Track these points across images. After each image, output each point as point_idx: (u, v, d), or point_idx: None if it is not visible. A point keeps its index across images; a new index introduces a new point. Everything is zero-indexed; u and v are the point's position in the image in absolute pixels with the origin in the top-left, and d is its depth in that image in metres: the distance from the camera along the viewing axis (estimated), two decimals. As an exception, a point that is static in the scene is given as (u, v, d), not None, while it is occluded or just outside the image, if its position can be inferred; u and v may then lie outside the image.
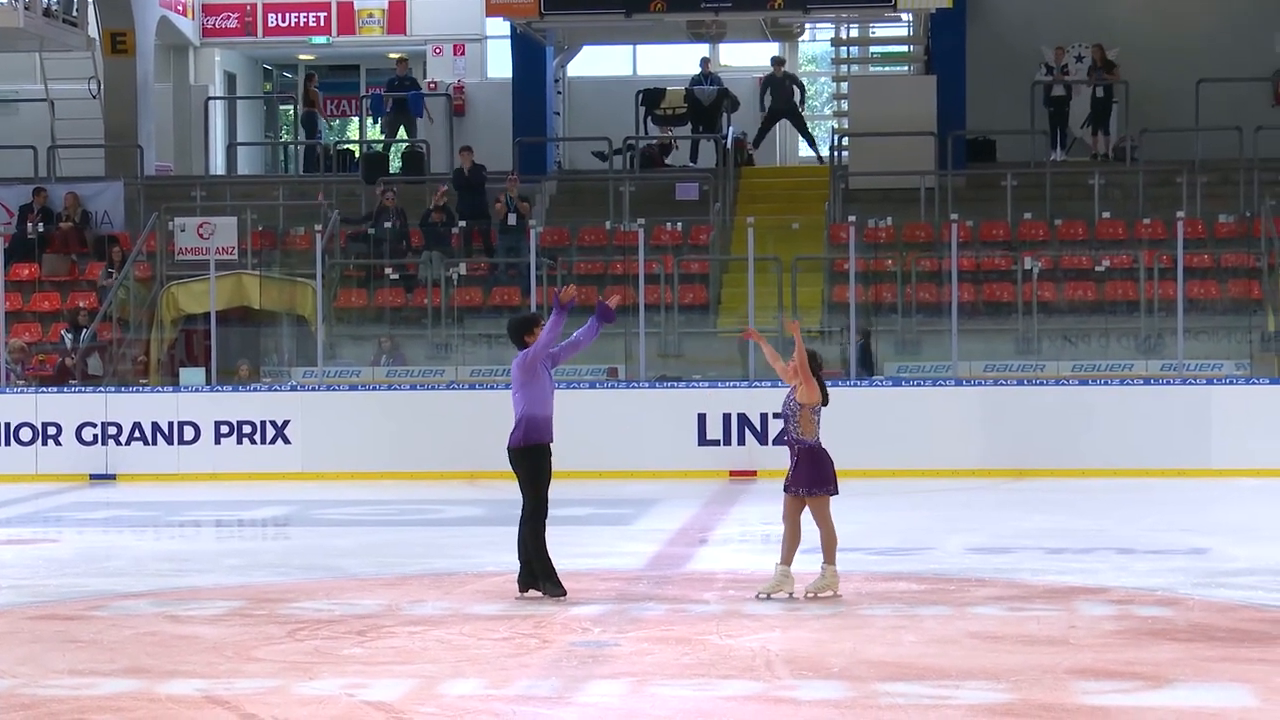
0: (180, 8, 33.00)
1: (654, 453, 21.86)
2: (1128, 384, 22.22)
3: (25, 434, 22.40)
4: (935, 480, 21.00)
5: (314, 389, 22.89)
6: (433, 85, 33.01)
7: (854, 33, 32.11)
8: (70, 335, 24.93)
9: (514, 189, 26.72)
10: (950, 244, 23.16)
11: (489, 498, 19.59)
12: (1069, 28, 30.50)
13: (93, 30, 30.59)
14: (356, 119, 35.51)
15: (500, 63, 32.73)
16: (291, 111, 35.21)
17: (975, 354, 23.45)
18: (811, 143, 31.17)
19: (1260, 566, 13.79)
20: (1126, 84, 28.97)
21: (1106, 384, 22.23)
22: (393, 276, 26.34)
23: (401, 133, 31.32)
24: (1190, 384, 21.95)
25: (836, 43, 32.09)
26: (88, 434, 22.36)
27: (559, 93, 31.60)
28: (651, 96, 30.36)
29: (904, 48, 32.41)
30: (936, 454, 21.58)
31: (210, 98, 33.03)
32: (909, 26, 31.50)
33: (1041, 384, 22.52)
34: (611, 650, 10.30)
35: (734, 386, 22.24)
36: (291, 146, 34.10)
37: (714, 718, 8.59)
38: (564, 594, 12.05)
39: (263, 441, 22.25)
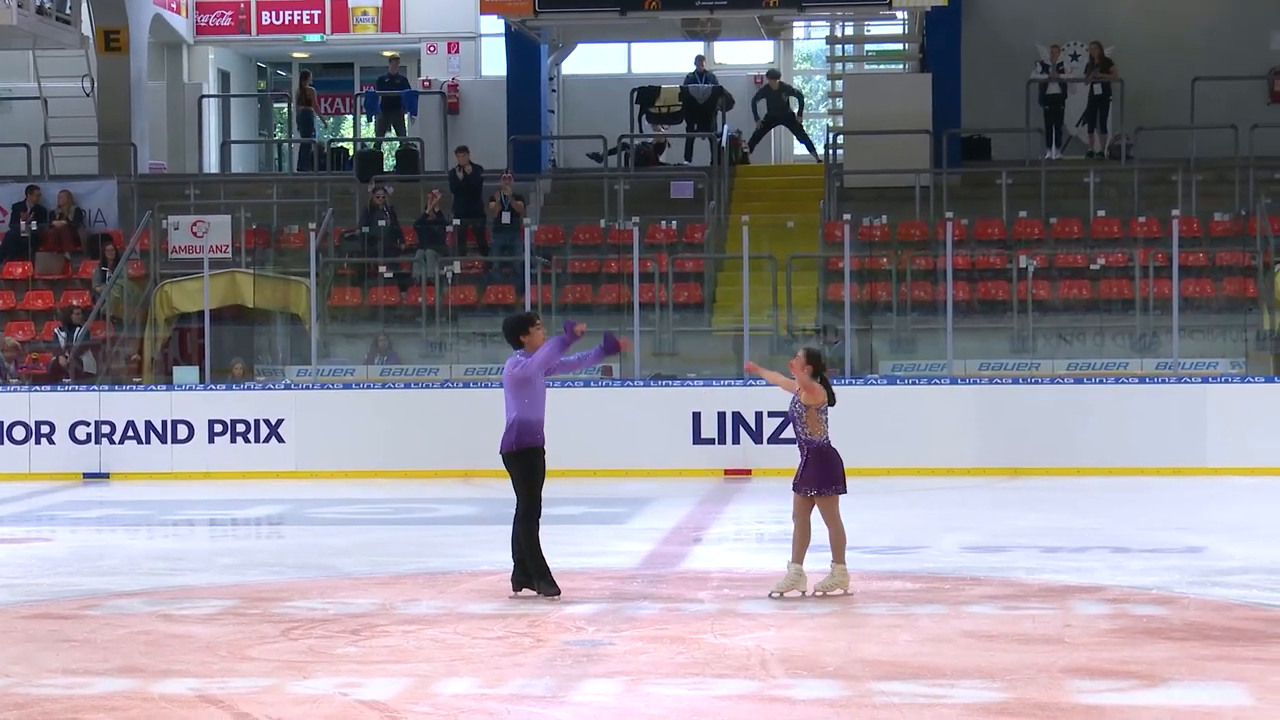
0: (174, 5, 32.97)
1: (648, 451, 21.84)
2: (1123, 382, 22.21)
3: (19, 432, 22.37)
4: (930, 479, 20.99)
5: (308, 388, 22.85)
6: (427, 83, 32.99)
7: (849, 30, 32.09)
8: (64, 334, 24.89)
9: (508, 187, 26.69)
10: (945, 242, 23.16)
11: (483, 496, 19.58)
12: (1064, 26, 30.51)
13: (86, 28, 30.56)
14: (350, 117, 35.49)
15: (495, 61, 32.71)
16: (285, 109, 35.17)
17: (970, 352, 23.44)
18: (810, 147, 31.16)
19: (1255, 565, 13.78)
20: (1122, 82, 28.97)
21: (1102, 382, 22.22)
22: (387, 275, 26.30)
23: (393, 131, 31.29)
24: (1186, 383, 21.95)
25: (831, 40, 32.08)
26: (81, 433, 22.32)
27: (553, 91, 31.58)
28: (646, 94, 30.33)
29: (899, 45, 32.39)
30: (932, 452, 21.57)
31: (204, 96, 33.01)
32: (904, 24, 31.48)
33: (1037, 382, 22.51)
34: (606, 649, 10.28)
35: (729, 385, 22.22)
36: (285, 145, 34.07)
37: (709, 717, 8.57)
38: (558, 593, 12.03)
39: (257, 440, 22.22)
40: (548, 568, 12.14)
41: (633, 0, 26.80)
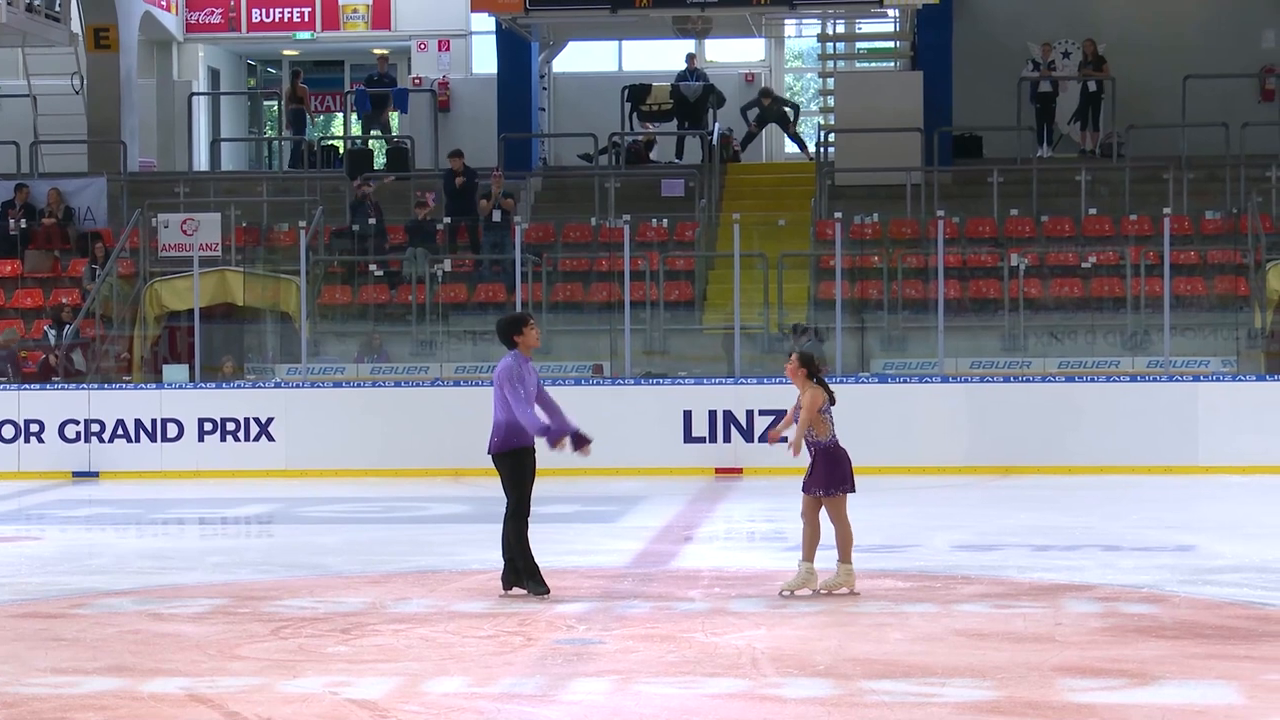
0: (164, 3, 32.93)
1: (639, 450, 21.80)
2: (1114, 381, 22.20)
3: (8, 431, 22.33)
4: (921, 477, 20.98)
5: (298, 386, 22.83)
6: (417, 81, 32.96)
7: (840, 28, 32.08)
8: (53, 332, 24.84)
9: (499, 185, 26.66)
10: (937, 240, 23.14)
11: (474, 495, 19.55)
12: (1056, 24, 30.52)
13: (76, 25, 30.51)
14: (340, 115, 35.45)
15: (485, 58, 32.68)
16: (275, 107, 35.12)
17: (961, 351, 23.44)
18: (802, 146, 31.15)
19: (1246, 563, 13.77)
20: (1114, 80, 28.97)
21: (1093, 381, 22.21)
22: (377, 273, 26.27)
23: (379, 130, 31.27)
24: (1177, 381, 21.94)
25: (823, 38, 32.07)
26: (71, 431, 22.28)
27: (544, 88, 31.55)
28: (637, 92, 30.33)
29: (890, 43, 32.38)
30: (923, 451, 21.56)
31: (194, 93, 32.96)
32: (895, 22, 31.47)
33: (1028, 381, 22.50)
34: (596, 648, 10.26)
35: (720, 383, 22.21)
36: (275, 143, 34.02)
37: (699, 715, 8.55)
38: (547, 592, 12.01)
39: (246, 439, 22.19)
40: (537, 566, 12.12)
41: (623, -3, 26.80)
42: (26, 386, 23.07)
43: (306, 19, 33.84)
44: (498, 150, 28.96)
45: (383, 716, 8.50)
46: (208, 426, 22.22)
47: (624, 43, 33.53)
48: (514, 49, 30.08)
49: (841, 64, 32.25)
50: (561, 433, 12.04)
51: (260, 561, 14.80)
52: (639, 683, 9.24)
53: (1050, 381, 22.30)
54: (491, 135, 29.72)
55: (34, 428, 22.32)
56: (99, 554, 15.45)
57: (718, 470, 21.74)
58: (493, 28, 30.61)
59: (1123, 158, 27.97)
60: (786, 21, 32.45)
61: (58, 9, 29.92)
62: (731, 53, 33.72)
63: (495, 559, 12.49)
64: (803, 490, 12.17)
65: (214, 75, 35.14)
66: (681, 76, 30.16)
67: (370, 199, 26.67)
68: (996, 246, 25.93)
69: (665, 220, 27.07)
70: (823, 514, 12.13)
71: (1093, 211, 26.65)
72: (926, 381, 22.27)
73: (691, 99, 29.92)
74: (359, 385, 23.39)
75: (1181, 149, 27.37)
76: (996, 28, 30.70)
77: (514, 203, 26.75)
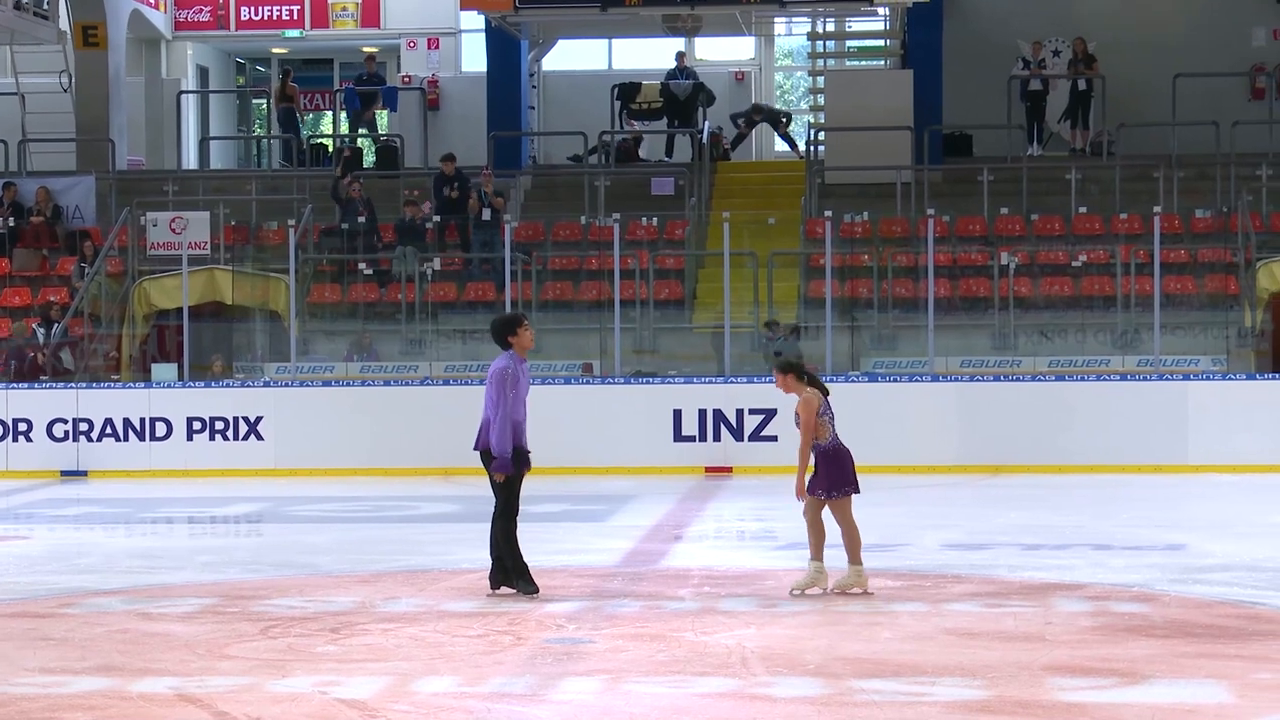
0: (153, 1, 32.86)
1: (629, 449, 21.79)
2: (1104, 379, 22.20)
3: (-4, 430, 22.29)
4: (912, 476, 20.97)
5: (287, 385, 22.79)
6: (407, 79, 32.92)
7: (830, 27, 32.08)
8: (42, 330, 24.79)
9: (488, 184, 26.63)
10: (927, 239, 23.14)
11: (463, 494, 19.52)
12: (1046, 22, 30.53)
13: (64, 23, 30.45)
14: (330, 113, 35.39)
15: (475, 57, 32.65)
16: (264, 105, 35.06)
17: (952, 349, 23.42)
18: (793, 146, 31.12)
19: (1236, 562, 13.77)
20: (1104, 79, 28.98)
21: (1083, 380, 22.21)
22: (366, 272, 26.23)
23: (366, 130, 31.24)
24: (1167, 379, 21.96)
25: (813, 37, 32.05)
26: (59, 430, 22.23)
27: (534, 87, 31.54)
28: (627, 91, 30.31)
29: (880, 42, 32.39)
30: (913, 450, 21.55)
31: (182, 91, 32.92)
32: (885, 21, 31.49)
33: (1018, 379, 22.49)
34: (586, 647, 10.24)
35: (710, 382, 22.19)
36: (264, 141, 33.97)
37: (689, 715, 8.53)
38: (536, 591, 11.99)
39: (235, 437, 22.15)
40: (526, 566, 12.10)
41: (613, -4, 26.78)
42: (14, 385, 23.02)
43: (295, 17, 33.79)
44: (487, 149, 28.93)
45: (372, 716, 8.47)
46: (196, 425, 22.17)
47: (614, 41, 33.51)
48: (503, 47, 30.05)
49: (831, 62, 32.24)
50: (505, 469, 11.92)
51: (249, 561, 14.77)
52: (629, 682, 9.22)
53: (1041, 380, 22.30)
54: (481, 134, 29.70)
55: (22, 427, 22.27)
56: (87, 553, 15.42)
57: (707, 469, 21.72)
58: (482, 26, 30.58)
59: (1113, 156, 27.98)
60: (776, 20, 32.46)
61: (46, 6, 29.86)
62: (721, 51, 33.71)
63: (485, 558, 12.46)
64: (807, 492, 12.14)
65: (203, 73, 35.09)
66: (671, 75, 30.15)
67: (361, 196, 26.62)
68: (987, 245, 25.93)
69: (655, 219, 27.06)
70: (825, 514, 12.10)
71: (1083, 210, 26.66)
72: (917, 380, 22.26)
73: (681, 97, 29.90)
74: (348, 384, 23.36)
75: (1172, 147, 27.39)
76: (986, 26, 30.70)
77: (504, 201, 26.72)
